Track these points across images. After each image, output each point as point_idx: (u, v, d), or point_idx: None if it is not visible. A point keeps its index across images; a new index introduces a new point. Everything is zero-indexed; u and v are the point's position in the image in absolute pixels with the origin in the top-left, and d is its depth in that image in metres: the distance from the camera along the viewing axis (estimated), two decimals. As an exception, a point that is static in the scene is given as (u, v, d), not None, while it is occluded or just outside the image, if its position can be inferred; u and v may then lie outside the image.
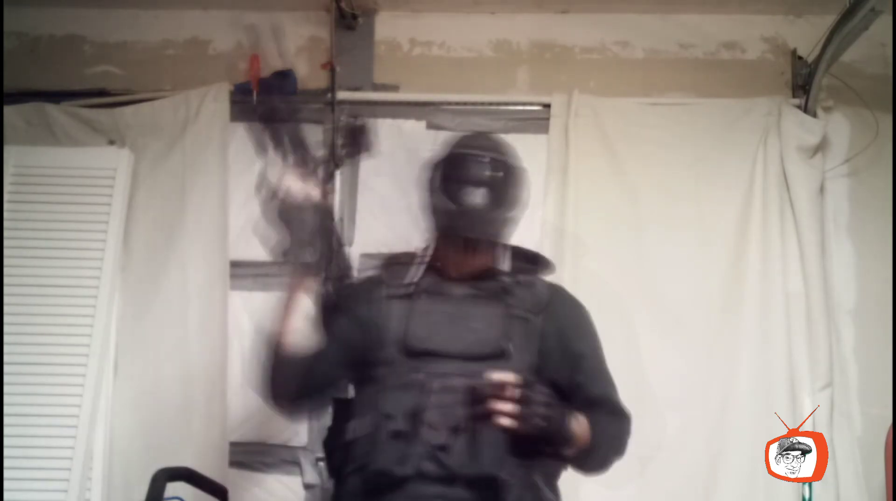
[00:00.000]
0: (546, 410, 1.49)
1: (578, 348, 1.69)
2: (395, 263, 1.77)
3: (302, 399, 1.69)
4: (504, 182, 1.70)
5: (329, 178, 2.72)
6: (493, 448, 1.50)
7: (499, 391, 1.47)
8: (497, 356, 1.59)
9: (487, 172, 1.68)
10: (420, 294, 1.67)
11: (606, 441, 1.65)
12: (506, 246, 1.75)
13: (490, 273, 1.70)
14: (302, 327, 1.62)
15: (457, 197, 1.66)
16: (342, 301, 1.70)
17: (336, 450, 1.64)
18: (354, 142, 1.93)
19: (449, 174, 1.69)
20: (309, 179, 1.63)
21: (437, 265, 1.72)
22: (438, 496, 1.50)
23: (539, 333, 1.65)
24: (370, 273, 1.82)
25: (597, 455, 1.64)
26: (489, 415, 1.47)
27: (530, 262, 1.79)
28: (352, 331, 1.67)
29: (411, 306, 1.66)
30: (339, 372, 1.68)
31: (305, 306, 1.63)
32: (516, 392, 1.47)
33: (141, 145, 2.75)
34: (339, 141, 1.83)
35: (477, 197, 1.64)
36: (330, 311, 1.68)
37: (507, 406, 1.46)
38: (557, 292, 1.76)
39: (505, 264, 1.71)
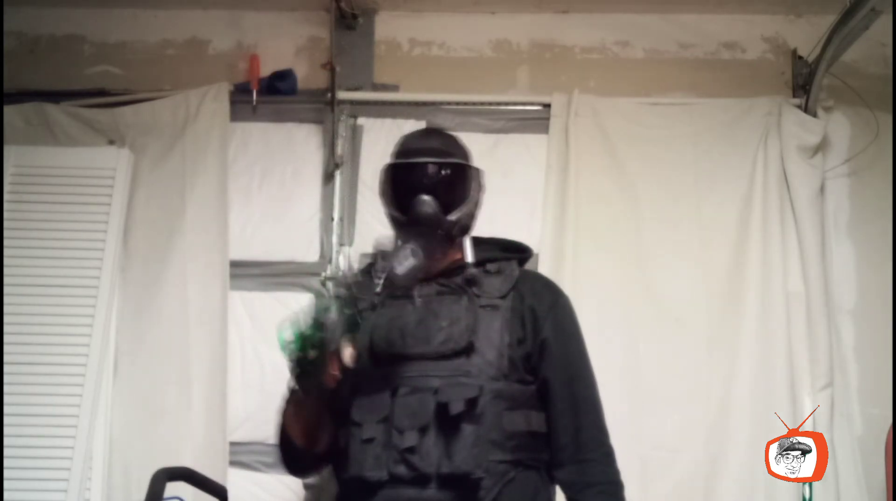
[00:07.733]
0: None
1: (545, 332, 1.64)
2: (365, 272, 1.74)
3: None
4: (451, 182, 1.67)
5: (329, 178, 2.74)
6: (463, 446, 1.49)
7: None
8: (464, 352, 1.57)
9: (432, 178, 1.65)
10: (385, 301, 1.64)
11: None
12: (476, 239, 1.72)
13: (458, 267, 1.68)
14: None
15: (405, 207, 1.64)
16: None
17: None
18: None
19: (395, 184, 1.68)
20: None
21: None
22: (413, 498, 1.49)
23: (509, 314, 1.61)
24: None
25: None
26: None
27: (505, 250, 1.76)
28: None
29: (377, 314, 1.64)
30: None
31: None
32: None
33: (141, 145, 2.75)
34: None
35: (425, 206, 1.62)
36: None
37: None
38: (528, 274, 1.72)
39: (473, 256, 1.67)
